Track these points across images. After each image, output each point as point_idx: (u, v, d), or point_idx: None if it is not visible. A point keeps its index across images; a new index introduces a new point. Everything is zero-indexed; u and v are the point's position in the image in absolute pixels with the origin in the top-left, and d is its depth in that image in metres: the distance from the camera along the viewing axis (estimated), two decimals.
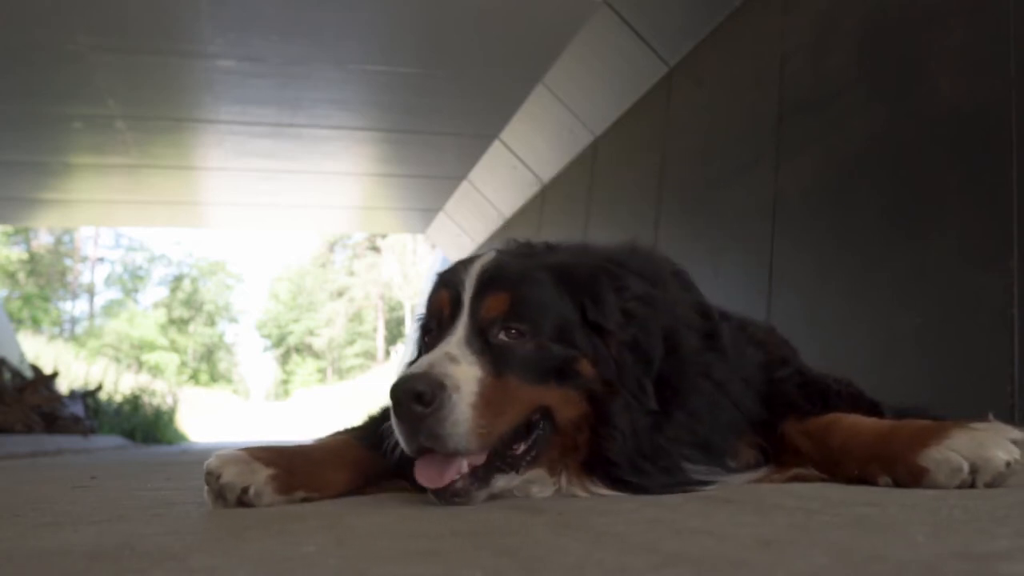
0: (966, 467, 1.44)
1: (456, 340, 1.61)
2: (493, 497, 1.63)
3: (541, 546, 1.02)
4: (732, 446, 1.78)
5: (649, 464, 1.61)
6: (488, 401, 1.53)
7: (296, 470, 1.71)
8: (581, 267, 1.75)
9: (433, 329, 1.73)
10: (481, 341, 1.61)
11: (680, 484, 1.62)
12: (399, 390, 1.50)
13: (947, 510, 1.17)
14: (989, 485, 1.44)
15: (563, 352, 1.63)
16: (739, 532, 1.05)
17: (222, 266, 49.46)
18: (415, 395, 1.49)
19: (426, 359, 1.58)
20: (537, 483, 1.67)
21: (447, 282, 1.75)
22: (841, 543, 0.93)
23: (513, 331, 1.62)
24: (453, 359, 1.56)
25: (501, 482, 1.61)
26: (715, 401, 1.74)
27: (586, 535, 1.10)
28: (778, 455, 1.82)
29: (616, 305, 1.69)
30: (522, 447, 1.62)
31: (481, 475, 1.58)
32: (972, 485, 1.45)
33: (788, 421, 1.81)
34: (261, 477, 1.64)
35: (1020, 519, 1.06)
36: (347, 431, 1.91)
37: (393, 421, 1.54)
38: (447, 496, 1.55)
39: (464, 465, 1.56)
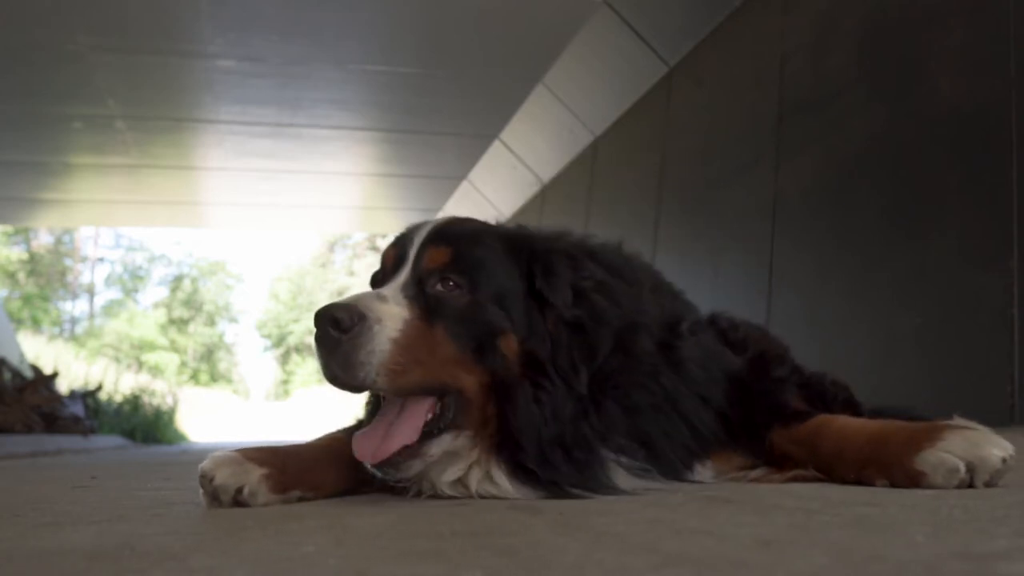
0: (963, 468, 1.44)
1: (393, 286, 1.61)
2: (430, 485, 1.62)
3: (541, 546, 1.02)
4: (687, 458, 1.73)
5: (561, 455, 1.56)
6: (410, 342, 1.51)
7: (291, 470, 1.72)
8: (540, 240, 1.72)
9: (379, 281, 1.73)
10: (417, 289, 1.60)
11: (595, 487, 1.56)
12: (319, 316, 1.49)
13: (947, 510, 1.17)
14: (988, 484, 1.45)
15: (495, 316, 1.59)
16: (739, 532, 1.05)
17: (222, 266, 49.40)
18: (332, 320, 1.48)
19: (355, 295, 1.58)
20: (459, 466, 1.63)
21: (397, 240, 1.76)
22: (841, 543, 0.93)
23: (450, 283, 1.60)
24: (382, 299, 1.56)
25: (434, 448, 1.57)
26: (660, 405, 1.70)
27: (586, 535, 1.10)
28: (770, 461, 1.80)
29: (568, 281, 1.65)
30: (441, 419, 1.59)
31: (415, 447, 1.56)
32: (970, 485, 1.45)
33: (775, 429, 1.78)
34: (255, 477, 1.65)
35: (1019, 519, 1.06)
36: (341, 431, 1.91)
37: (315, 349, 1.53)
38: (383, 466, 1.55)
39: (397, 446, 1.54)
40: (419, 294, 1.60)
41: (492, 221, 1.89)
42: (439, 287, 1.61)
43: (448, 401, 1.59)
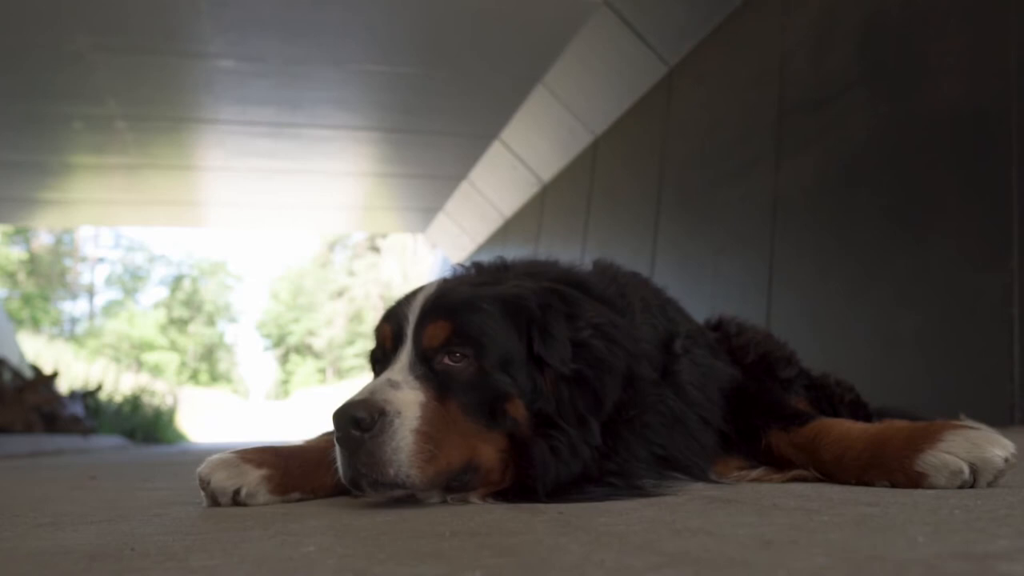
0: (967, 469, 1.44)
1: (399, 367, 1.58)
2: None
3: (541, 546, 1.02)
4: (699, 468, 1.74)
5: (594, 485, 1.57)
6: (432, 428, 1.49)
7: (293, 472, 1.72)
8: (531, 296, 1.67)
9: (380, 360, 1.70)
10: (425, 367, 1.58)
11: (626, 495, 1.57)
12: (338, 416, 1.47)
13: (947, 510, 1.17)
14: (990, 484, 1.44)
15: (503, 383, 1.58)
16: (739, 532, 1.05)
17: (222, 266, 49.44)
18: (354, 421, 1.45)
19: (367, 386, 1.55)
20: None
21: (389, 315, 1.72)
22: (841, 543, 0.93)
23: (457, 355, 1.58)
24: (395, 385, 1.53)
25: (433, 496, 1.57)
26: (671, 424, 1.71)
27: (586, 535, 1.10)
28: (770, 462, 1.80)
29: (566, 336, 1.63)
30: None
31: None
32: (972, 485, 1.45)
33: (773, 432, 1.78)
34: (253, 478, 1.67)
35: (1020, 519, 1.06)
36: None
37: (336, 449, 1.51)
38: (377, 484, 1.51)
39: None
40: (428, 372, 1.57)
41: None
42: (447, 360, 1.58)
43: (469, 476, 1.57)
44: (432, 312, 1.63)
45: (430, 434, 1.48)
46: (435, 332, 1.60)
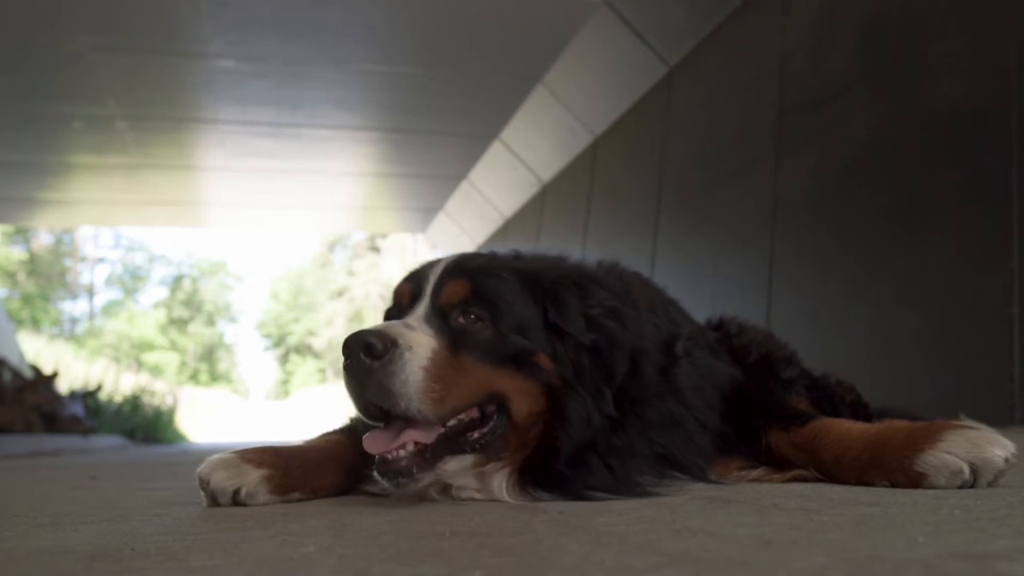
0: (967, 469, 1.44)
1: (415, 316, 1.61)
2: (438, 486, 1.60)
3: (541, 546, 1.02)
4: (697, 468, 1.75)
5: (595, 459, 1.58)
6: (441, 369, 1.51)
7: (293, 472, 1.72)
8: (546, 273, 1.73)
9: (395, 317, 1.72)
10: (441, 321, 1.60)
11: (623, 493, 1.57)
12: (350, 341, 1.48)
13: (947, 510, 1.17)
14: (991, 484, 1.44)
15: (521, 343, 1.60)
16: (739, 532, 1.05)
17: (222, 266, 49.44)
18: (365, 346, 1.46)
19: (381, 324, 1.57)
20: (471, 478, 1.62)
21: (410, 276, 1.76)
22: (841, 543, 0.93)
23: (472, 315, 1.60)
24: (410, 327, 1.55)
25: (451, 465, 1.56)
26: (670, 425, 1.72)
27: (586, 535, 1.10)
28: (770, 462, 1.80)
29: (579, 311, 1.67)
30: (476, 434, 1.57)
31: (429, 455, 1.53)
32: (972, 485, 1.45)
33: (773, 431, 1.79)
34: (253, 478, 1.67)
35: (1020, 519, 1.06)
36: (339, 431, 1.91)
37: (344, 378, 1.51)
38: (391, 474, 1.51)
39: (410, 444, 1.51)
40: (443, 326, 1.59)
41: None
42: (461, 319, 1.61)
43: (495, 426, 1.57)
44: (453, 272, 1.67)
45: (439, 375, 1.50)
46: (455, 289, 1.63)
